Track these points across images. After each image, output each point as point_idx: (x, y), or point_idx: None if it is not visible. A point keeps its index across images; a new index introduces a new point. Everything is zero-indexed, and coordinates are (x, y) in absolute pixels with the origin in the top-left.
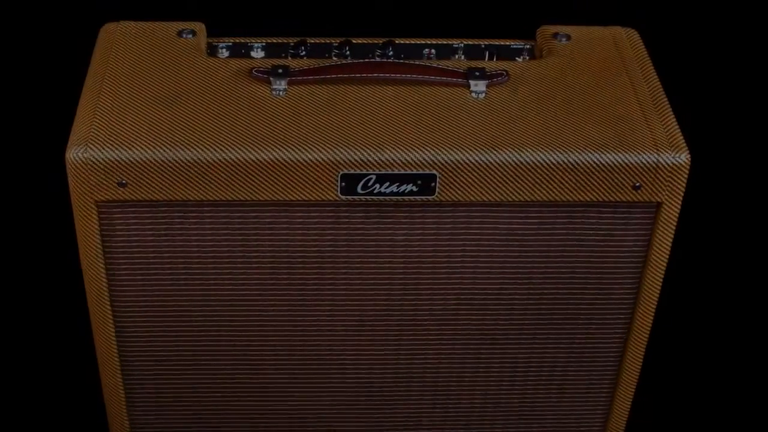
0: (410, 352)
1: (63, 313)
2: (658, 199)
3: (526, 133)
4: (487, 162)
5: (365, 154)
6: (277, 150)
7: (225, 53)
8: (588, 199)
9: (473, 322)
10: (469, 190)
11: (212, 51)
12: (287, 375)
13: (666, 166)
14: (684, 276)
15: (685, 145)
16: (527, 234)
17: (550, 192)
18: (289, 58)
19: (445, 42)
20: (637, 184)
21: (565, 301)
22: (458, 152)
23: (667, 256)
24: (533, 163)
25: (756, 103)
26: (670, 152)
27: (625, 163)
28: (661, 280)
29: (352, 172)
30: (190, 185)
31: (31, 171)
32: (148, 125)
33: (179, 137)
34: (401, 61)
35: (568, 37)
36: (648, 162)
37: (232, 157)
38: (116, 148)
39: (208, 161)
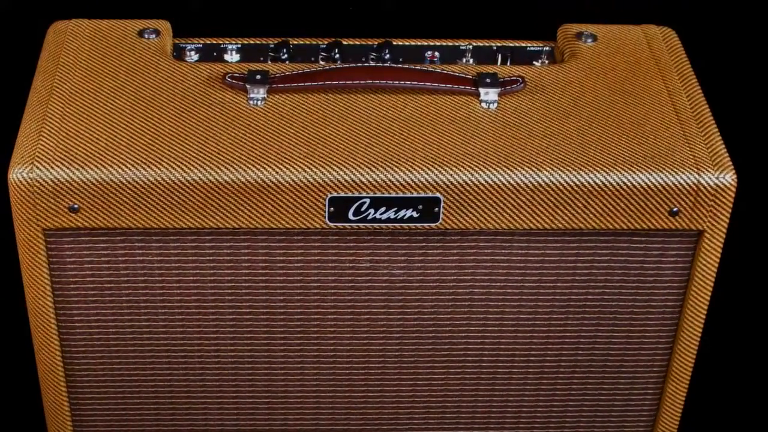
0: (410, 401)
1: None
2: (699, 227)
3: (545, 150)
4: (499, 183)
5: (357, 173)
6: (254, 170)
7: (194, 56)
8: (617, 226)
9: (485, 367)
10: (478, 217)
11: (179, 53)
12: (266, 419)
13: (708, 188)
14: (729, 313)
15: (730, 163)
16: (546, 268)
17: (573, 219)
18: (269, 62)
19: (450, 43)
20: (675, 210)
21: (591, 343)
22: (466, 172)
23: (710, 293)
24: (553, 184)
25: None
26: (713, 172)
27: (661, 185)
28: (703, 319)
29: (341, 195)
30: (153, 211)
31: None
32: (105, 140)
33: (141, 155)
34: (399, 65)
35: (594, 38)
36: (687, 183)
37: (203, 177)
38: (67, 167)
39: (174, 183)
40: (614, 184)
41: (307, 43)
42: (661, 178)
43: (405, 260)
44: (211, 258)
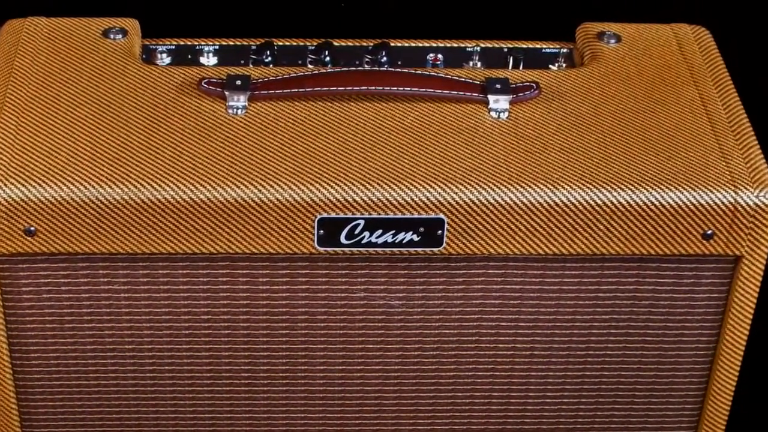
0: None
1: None
2: (737, 252)
3: (562, 166)
4: (510, 203)
5: (350, 192)
6: (234, 187)
7: (165, 59)
8: (644, 252)
9: (494, 411)
10: (487, 241)
11: (149, 56)
12: None
13: (747, 208)
14: None
15: None
16: (564, 299)
17: (595, 243)
18: (251, 65)
19: (456, 44)
20: (709, 232)
21: (615, 384)
22: (473, 190)
23: (749, 326)
24: (572, 204)
25: None
26: (752, 190)
27: (693, 205)
28: (741, 355)
29: (332, 216)
30: (120, 234)
31: None
32: (65, 155)
33: (106, 170)
34: (398, 69)
35: (618, 38)
36: (723, 203)
37: (176, 196)
38: (22, 185)
39: (144, 202)
40: (641, 203)
41: (294, 44)
42: (694, 197)
43: (404, 290)
44: (185, 287)
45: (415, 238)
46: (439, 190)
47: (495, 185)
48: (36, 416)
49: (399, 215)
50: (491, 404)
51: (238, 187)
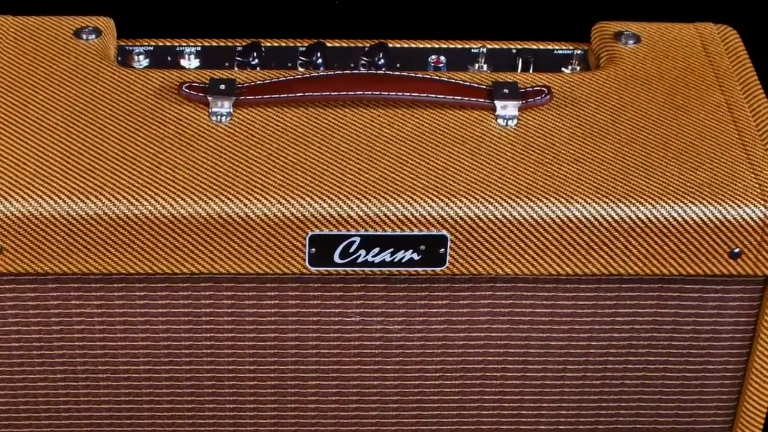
0: None
1: None
2: (767, 272)
3: (576, 178)
4: (519, 218)
5: (345, 206)
6: (218, 201)
7: (143, 61)
8: (665, 272)
9: None
10: (494, 260)
11: (125, 58)
12: None
13: None
14: None
15: None
16: (578, 323)
17: (612, 262)
18: (236, 68)
19: (460, 45)
20: (737, 250)
21: (633, 415)
22: (479, 204)
23: None
24: (587, 219)
25: None
26: None
27: (719, 220)
28: None
29: (325, 232)
30: (93, 252)
31: None
32: (34, 166)
33: (78, 183)
34: (396, 72)
35: (637, 39)
36: (752, 218)
37: (154, 211)
38: None
39: (119, 218)
40: (662, 219)
41: (283, 44)
42: (720, 212)
43: (403, 314)
44: (164, 311)
45: (416, 257)
46: (442, 204)
47: (502, 199)
48: None
49: (398, 232)
50: (500, 429)
51: (222, 202)
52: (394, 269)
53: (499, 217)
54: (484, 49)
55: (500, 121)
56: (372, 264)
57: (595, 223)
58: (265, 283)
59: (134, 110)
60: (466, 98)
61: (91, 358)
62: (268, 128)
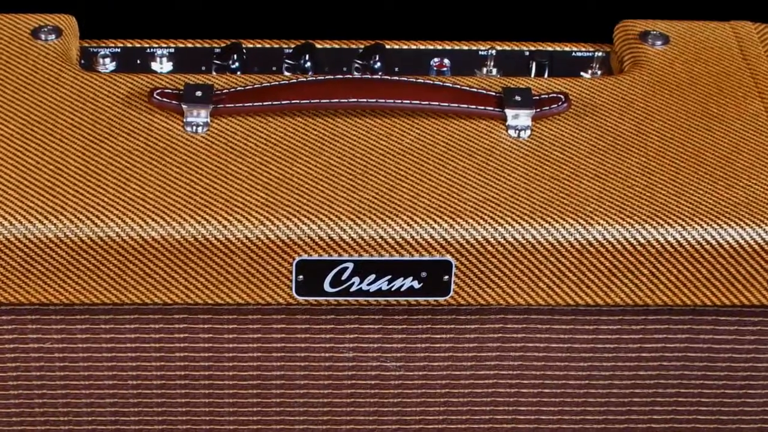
0: None
1: None
2: None
3: (597, 196)
4: (533, 242)
5: (336, 228)
6: (193, 222)
7: (109, 64)
8: (697, 302)
9: None
10: (504, 288)
11: (88, 61)
12: None
13: None
14: None
15: None
16: (598, 359)
17: (637, 291)
18: (214, 72)
19: (466, 46)
20: None
21: None
22: (487, 226)
23: None
24: (609, 243)
25: None
26: None
27: (758, 244)
28: None
29: (314, 258)
30: (53, 280)
31: None
32: None
33: (36, 202)
34: (394, 77)
35: (665, 39)
36: None
37: (122, 234)
38: None
39: (82, 241)
40: (694, 242)
41: (267, 46)
42: (759, 235)
43: (402, 349)
44: (133, 345)
45: (416, 285)
46: (446, 225)
47: (514, 220)
48: None
49: (396, 257)
50: None
51: (199, 223)
52: (391, 299)
53: (511, 240)
54: (494, 51)
55: (511, 131)
56: (367, 293)
57: (619, 247)
58: (246, 314)
59: (99, 120)
60: (473, 106)
61: (50, 399)
62: (250, 140)
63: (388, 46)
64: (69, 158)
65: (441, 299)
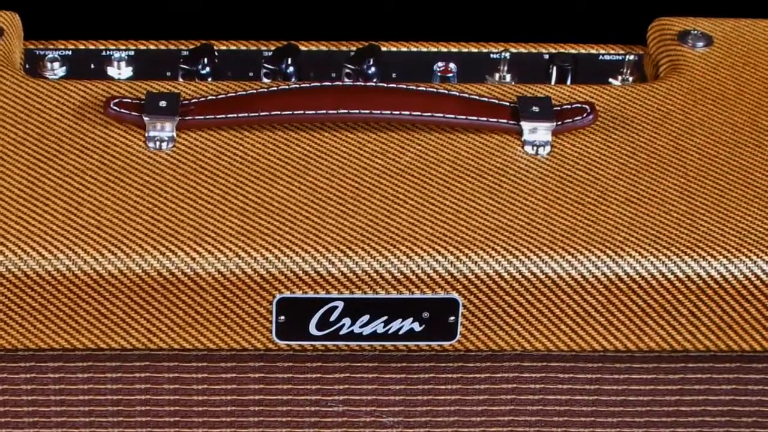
0: None
1: None
2: None
3: (628, 223)
4: (553, 277)
5: (323, 261)
6: (156, 254)
7: (58, 69)
8: (746, 347)
9: None
10: (519, 331)
11: (34, 65)
12: None
13: None
14: None
15: None
16: (629, 414)
17: (675, 334)
18: (180, 79)
19: (475, 49)
20: None
21: None
22: (499, 258)
23: None
24: (641, 278)
25: None
26: None
27: None
28: None
29: (298, 295)
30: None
31: None
32: None
33: None
34: (392, 85)
35: (708, 40)
36: None
37: (73, 267)
38: None
39: (26, 275)
40: (741, 277)
41: (243, 48)
42: None
43: (401, 401)
44: (86, 397)
45: (417, 327)
46: (452, 258)
47: (531, 251)
48: None
49: (393, 295)
50: None
51: (163, 254)
52: (388, 344)
53: (527, 275)
54: (507, 54)
55: (528, 148)
56: (360, 337)
57: (654, 282)
58: (218, 362)
59: (47, 134)
60: (484, 118)
61: None
62: (223, 158)
63: (384, 48)
64: (11, 179)
65: (446, 344)
